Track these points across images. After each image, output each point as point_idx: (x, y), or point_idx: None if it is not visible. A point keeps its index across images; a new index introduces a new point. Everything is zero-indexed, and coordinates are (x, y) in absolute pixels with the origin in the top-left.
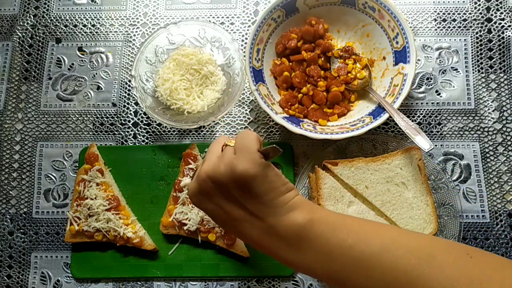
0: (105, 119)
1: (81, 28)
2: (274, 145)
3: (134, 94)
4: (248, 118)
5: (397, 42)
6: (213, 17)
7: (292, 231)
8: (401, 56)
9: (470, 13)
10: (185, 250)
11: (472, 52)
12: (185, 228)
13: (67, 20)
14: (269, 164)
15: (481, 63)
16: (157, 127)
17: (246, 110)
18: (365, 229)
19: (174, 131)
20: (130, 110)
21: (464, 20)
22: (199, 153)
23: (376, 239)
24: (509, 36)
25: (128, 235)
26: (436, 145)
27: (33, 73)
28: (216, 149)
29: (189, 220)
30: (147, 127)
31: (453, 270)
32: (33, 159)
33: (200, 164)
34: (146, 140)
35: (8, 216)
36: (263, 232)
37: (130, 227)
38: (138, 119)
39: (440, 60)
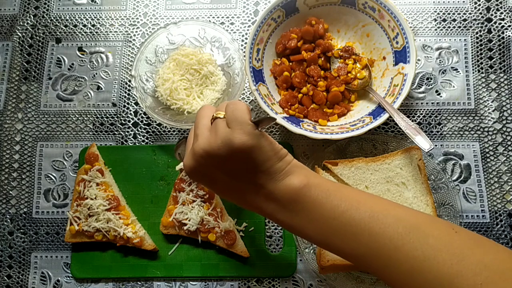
0: (105, 119)
1: (81, 28)
2: (267, 115)
3: (134, 94)
4: None
5: (397, 42)
6: (213, 17)
7: (289, 195)
8: (401, 56)
9: (470, 13)
10: (185, 250)
11: (472, 52)
12: (185, 228)
13: (67, 20)
14: (263, 133)
15: (481, 63)
16: (157, 127)
17: None
18: (357, 197)
19: (174, 131)
20: (130, 110)
21: (464, 20)
22: None
23: (367, 207)
24: (509, 36)
25: (128, 235)
26: (436, 145)
27: (33, 73)
28: (205, 122)
29: (189, 220)
30: (147, 127)
31: (437, 241)
32: (33, 159)
33: (189, 137)
34: (146, 140)
35: (8, 216)
36: (263, 198)
37: (130, 227)
38: (138, 119)
39: (440, 60)
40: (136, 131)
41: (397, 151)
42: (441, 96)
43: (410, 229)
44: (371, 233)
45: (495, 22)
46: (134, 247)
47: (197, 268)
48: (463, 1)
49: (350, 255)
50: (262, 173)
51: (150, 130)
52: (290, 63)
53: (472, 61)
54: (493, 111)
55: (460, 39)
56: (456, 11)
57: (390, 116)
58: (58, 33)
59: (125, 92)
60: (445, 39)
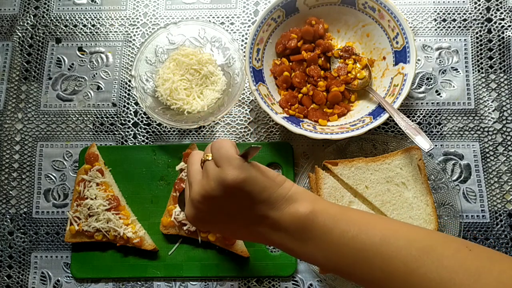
0: (105, 119)
1: (81, 28)
2: (251, 145)
3: (134, 94)
4: (248, 118)
5: (397, 42)
6: (213, 17)
7: (295, 223)
8: (401, 56)
9: (470, 13)
10: (185, 250)
11: (472, 52)
12: (185, 228)
13: (67, 20)
14: (254, 164)
15: (481, 63)
16: (157, 127)
17: (246, 110)
18: (366, 221)
19: (174, 131)
20: (130, 110)
21: (464, 20)
22: None
23: (377, 230)
24: (509, 36)
25: (128, 235)
26: (436, 145)
27: (33, 73)
28: (196, 168)
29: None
30: (147, 127)
31: (452, 262)
32: (33, 159)
33: (186, 188)
34: (146, 140)
35: (8, 216)
36: (269, 229)
37: (130, 227)
38: (138, 119)
39: (440, 60)
40: (136, 131)
41: (397, 151)
42: (441, 96)
43: (423, 251)
44: (383, 258)
45: (495, 22)
46: (134, 247)
47: (197, 268)
48: (463, 1)
49: (363, 280)
50: (262, 204)
51: (150, 130)
52: (290, 63)
53: (472, 61)
54: (493, 111)
55: (460, 39)
56: (456, 11)
57: (390, 116)
58: (58, 33)
59: (125, 92)
60: (445, 39)
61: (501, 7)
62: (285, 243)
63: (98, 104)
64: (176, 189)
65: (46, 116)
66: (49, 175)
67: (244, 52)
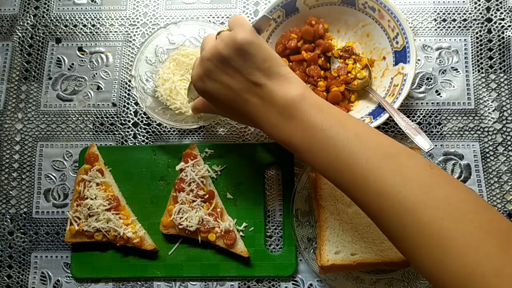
0: (105, 119)
1: (81, 28)
2: (264, 14)
3: (134, 94)
4: None
5: (397, 42)
6: (213, 17)
7: (285, 100)
8: (401, 56)
9: (470, 13)
10: (185, 250)
11: (472, 52)
12: (184, 227)
13: (67, 20)
14: (263, 39)
15: (481, 63)
16: (157, 127)
17: None
18: (345, 117)
19: (174, 131)
20: (130, 110)
21: (464, 20)
22: (199, 153)
23: (353, 127)
24: (509, 36)
25: (128, 235)
26: (436, 145)
27: (33, 73)
28: (210, 38)
29: (188, 220)
30: (147, 127)
31: (410, 171)
32: (33, 159)
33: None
34: (146, 140)
35: (8, 216)
36: (262, 100)
37: (130, 227)
38: (138, 119)
39: (440, 60)
40: (136, 131)
41: None
42: (441, 96)
43: (388, 155)
44: (351, 151)
45: (495, 22)
46: (134, 247)
47: (197, 268)
48: (463, 1)
49: (326, 169)
50: (262, 72)
51: (150, 130)
52: (290, 63)
53: (472, 61)
54: (493, 111)
55: (460, 39)
56: (456, 11)
57: (390, 116)
58: (58, 33)
59: (125, 92)
60: (445, 39)
61: (501, 7)
62: (270, 116)
63: (98, 104)
64: (176, 189)
65: (46, 116)
66: (49, 175)
67: None
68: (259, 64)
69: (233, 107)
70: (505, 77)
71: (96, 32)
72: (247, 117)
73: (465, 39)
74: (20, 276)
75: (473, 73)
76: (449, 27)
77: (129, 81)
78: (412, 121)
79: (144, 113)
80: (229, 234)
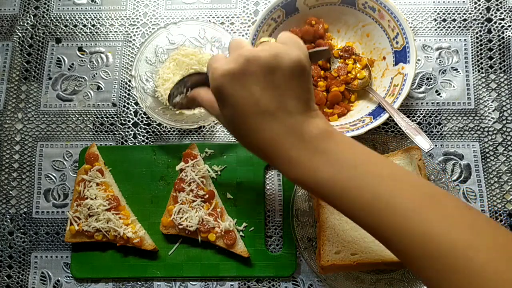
0: (105, 119)
1: (81, 28)
2: (325, 48)
3: (134, 94)
4: None
5: (397, 42)
6: (213, 17)
7: (314, 133)
8: (401, 56)
9: (470, 13)
10: (185, 250)
11: (472, 52)
12: (182, 226)
13: (67, 20)
14: None
15: (481, 63)
16: (157, 127)
17: None
18: (377, 156)
19: (174, 131)
20: (130, 110)
21: (464, 20)
22: (199, 153)
23: (386, 166)
24: (509, 36)
25: (128, 235)
26: (436, 145)
27: (33, 73)
28: (247, 42)
29: (189, 220)
30: (147, 127)
31: (455, 212)
32: (33, 159)
33: (216, 57)
34: (146, 140)
35: (8, 216)
36: (286, 129)
37: (130, 227)
38: (138, 119)
39: (440, 60)
40: (136, 131)
41: (397, 151)
42: (441, 96)
43: (428, 195)
44: (388, 190)
45: (495, 22)
46: (134, 247)
47: (197, 268)
48: (463, 1)
49: (358, 208)
50: (299, 102)
51: (150, 130)
52: None
53: (472, 61)
54: (493, 111)
55: (460, 39)
56: (456, 11)
57: (390, 116)
58: (58, 33)
59: (125, 92)
60: (445, 39)
61: (501, 7)
62: (290, 148)
63: (98, 104)
64: (176, 189)
65: (46, 116)
66: (49, 175)
67: None
68: (300, 93)
69: (247, 125)
70: (505, 77)
71: (96, 32)
72: (257, 143)
73: (465, 39)
74: (20, 276)
75: (473, 73)
76: (449, 27)
77: (129, 81)
78: (412, 121)
79: (144, 113)
80: (229, 234)
